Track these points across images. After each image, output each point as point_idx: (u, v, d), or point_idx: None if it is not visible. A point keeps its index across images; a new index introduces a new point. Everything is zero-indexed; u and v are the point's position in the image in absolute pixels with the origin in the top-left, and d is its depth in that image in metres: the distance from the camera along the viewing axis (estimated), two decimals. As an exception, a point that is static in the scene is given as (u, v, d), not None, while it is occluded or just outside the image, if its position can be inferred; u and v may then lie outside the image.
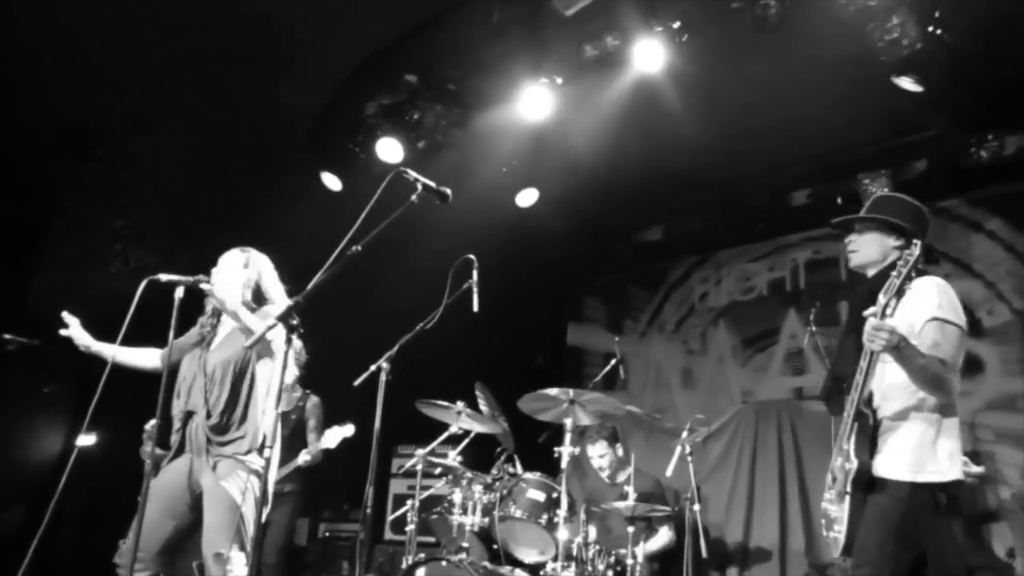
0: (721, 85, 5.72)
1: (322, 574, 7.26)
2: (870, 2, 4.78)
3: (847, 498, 2.93)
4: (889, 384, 2.97)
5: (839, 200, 6.65)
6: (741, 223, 7.37)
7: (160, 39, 5.50)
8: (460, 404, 4.89)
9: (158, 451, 3.44)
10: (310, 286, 2.82)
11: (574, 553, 4.55)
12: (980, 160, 6.04)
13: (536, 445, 5.35)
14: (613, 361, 5.87)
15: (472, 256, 4.08)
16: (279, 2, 5.31)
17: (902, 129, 6.28)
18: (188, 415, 3.55)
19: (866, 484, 2.90)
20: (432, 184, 3.05)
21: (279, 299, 3.69)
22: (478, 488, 4.77)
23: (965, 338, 2.98)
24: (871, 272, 3.19)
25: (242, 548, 3.30)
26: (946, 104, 5.67)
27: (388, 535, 7.29)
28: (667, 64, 5.38)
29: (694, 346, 7.64)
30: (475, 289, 4.08)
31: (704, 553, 5.01)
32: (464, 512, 4.73)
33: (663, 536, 5.53)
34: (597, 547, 4.77)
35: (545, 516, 4.61)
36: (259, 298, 3.71)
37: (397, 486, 7.60)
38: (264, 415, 3.50)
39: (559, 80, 5.69)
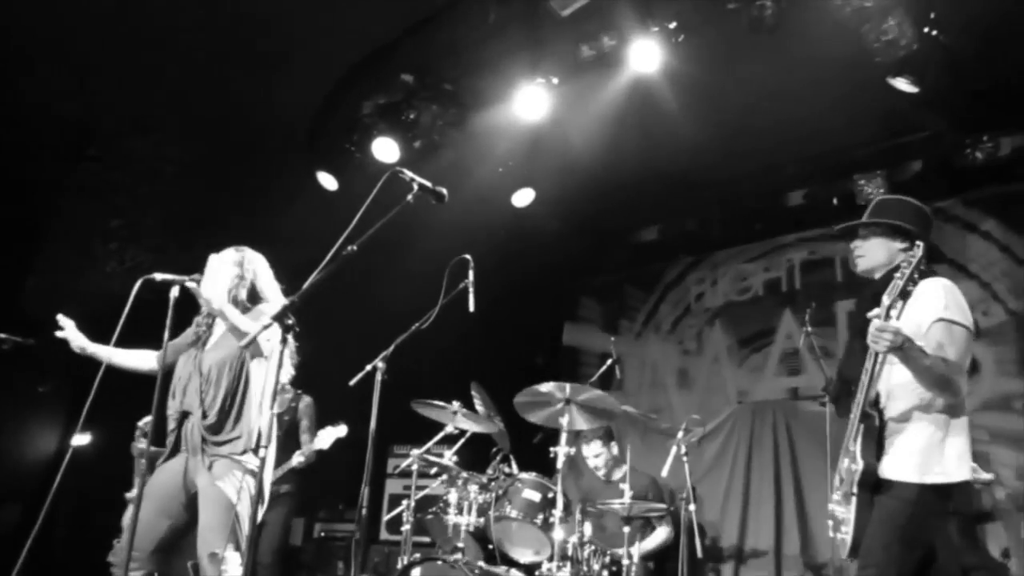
0: (717, 86, 5.73)
1: (317, 574, 7.26)
2: (866, 3, 4.79)
3: (854, 499, 2.92)
4: (895, 385, 2.97)
5: (835, 201, 6.68)
6: (737, 223, 7.39)
7: (156, 39, 5.49)
8: (456, 404, 4.89)
9: (153, 449, 3.43)
10: (306, 286, 2.81)
11: (569, 553, 4.54)
12: (975, 161, 6.05)
13: (532, 445, 5.35)
14: (609, 361, 5.87)
15: (468, 256, 4.07)
16: (275, 2, 5.30)
17: (898, 130, 6.30)
18: (184, 415, 3.54)
19: (872, 485, 2.90)
20: (428, 184, 3.05)
21: (275, 299, 3.69)
22: (474, 488, 4.77)
23: (972, 339, 2.98)
24: (878, 276, 3.20)
25: (237, 548, 3.30)
26: (941, 105, 5.69)
27: (384, 535, 7.28)
28: (663, 64, 5.38)
29: (690, 346, 7.65)
30: (471, 289, 4.07)
31: (699, 553, 5.02)
32: (460, 512, 4.73)
33: (661, 533, 5.54)
34: (592, 547, 4.77)
35: (541, 516, 4.61)
36: (254, 297, 3.71)
37: (393, 486, 7.58)
38: (260, 414, 3.49)
39: (555, 80, 5.69)
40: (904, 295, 2.81)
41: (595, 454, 5.71)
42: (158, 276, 3.35)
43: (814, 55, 5.25)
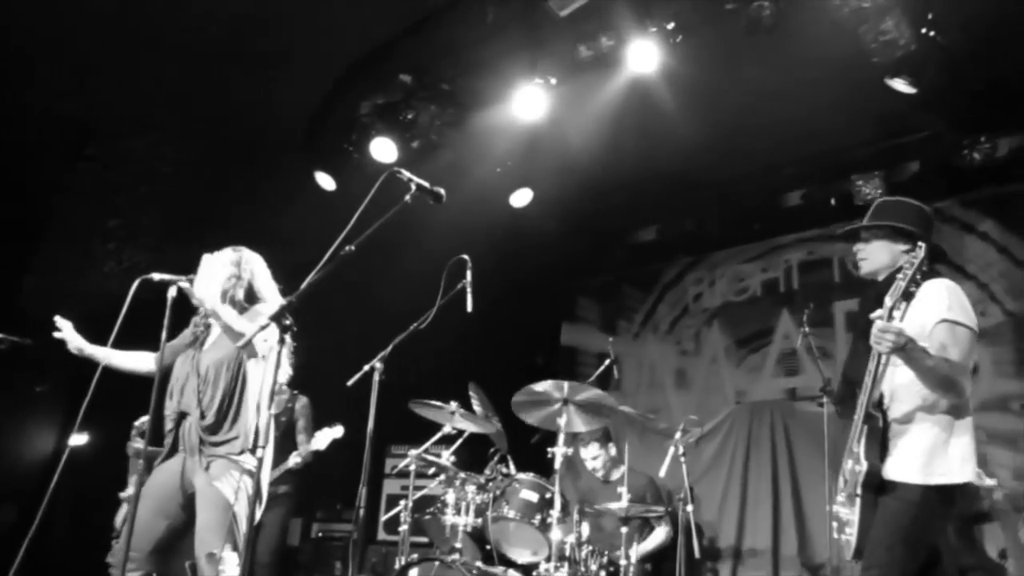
0: (715, 86, 5.73)
1: (315, 574, 7.26)
2: (864, 4, 4.79)
3: (857, 501, 2.92)
4: (899, 386, 2.97)
5: (833, 201, 6.68)
6: (735, 224, 7.38)
7: (156, 39, 5.49)
8: (453, 404, 4.88)
9: (150, 448, 3.43)
10: (303, 286, 2.81)
11: (567, 553, 4.55)
12: (973, 162, 6.05)
13: (529, 446, 5.35)
14: (607, 361, 5.87)
15: (466, 256, 4.07)
16: (274, 2, 5.30)
17: (895, 130, 6.30)
18: (181, 415, 3.54)
19: (876, 486, 2.89)
20: (426, 184, 3.05)
21: (272, 299, 3.68)
22: (471, 488, 4.77)
23: (976, 339, 2.97)
24: (881, 278, 3.20)
25: (235, 548, 3.30)
26: (939, 106, 5.69)
27: (381, 535, 7.29)
28: (662, 65, 5.39)
29: (688, 347, 7.65)
30: (469, 289, 4.07)
31: (697, 553, 5.03)
32: (457, 512, 4.73)
33: (660, 534, 5.53)
34: (590, 547, 4.77)
35: (538, 517, 4.61)
36: (252, 298, 3.70)
37: (390, 486, 7.59)
38: (257, 415, 3.49)
39: (554, 80, 5.68)
40: (907, 296, 2.81)
41: (593, 456, 5.71)
42: (156, 276, 3.34)
43: (812, 56, 5.26)
